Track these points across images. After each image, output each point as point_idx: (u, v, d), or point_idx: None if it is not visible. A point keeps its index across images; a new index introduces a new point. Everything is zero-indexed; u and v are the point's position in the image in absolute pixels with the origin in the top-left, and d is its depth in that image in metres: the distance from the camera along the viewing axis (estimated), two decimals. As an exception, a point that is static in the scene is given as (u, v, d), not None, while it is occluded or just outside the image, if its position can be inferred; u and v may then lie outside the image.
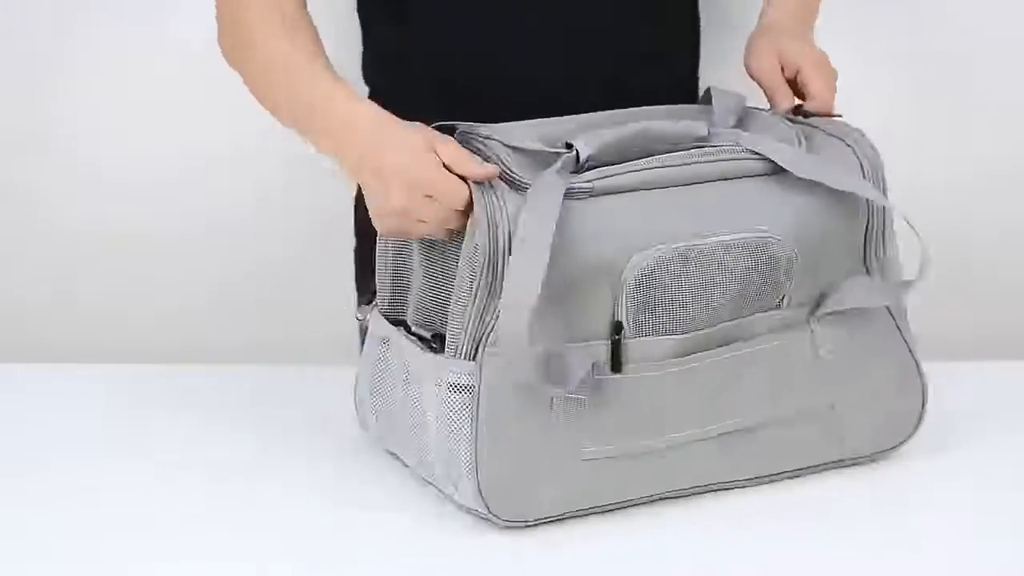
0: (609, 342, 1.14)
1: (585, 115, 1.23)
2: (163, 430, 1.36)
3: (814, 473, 1.24)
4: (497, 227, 1.11)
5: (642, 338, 1.14)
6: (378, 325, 1.25)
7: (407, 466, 1.24)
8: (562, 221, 1.11)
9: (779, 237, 1.17)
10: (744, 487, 1.22)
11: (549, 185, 1.12)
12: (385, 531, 1.17)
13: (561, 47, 1.39)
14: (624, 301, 1.13)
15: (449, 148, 1.15)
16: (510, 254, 1.10)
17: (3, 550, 1.15)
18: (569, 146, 1.15)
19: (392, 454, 1.27)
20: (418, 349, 1.18)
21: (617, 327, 1.13)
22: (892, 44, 1.71)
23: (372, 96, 1.47)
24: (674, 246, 1.14)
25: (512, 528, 1.15)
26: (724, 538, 1.16)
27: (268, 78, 1.30)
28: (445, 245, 1.18)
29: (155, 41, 1.70)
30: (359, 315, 1.28)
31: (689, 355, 1.16)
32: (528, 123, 1.21)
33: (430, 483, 1.21)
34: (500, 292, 1.10)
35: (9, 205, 1.74)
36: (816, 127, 1.26)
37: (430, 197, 1.13)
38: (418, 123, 1.19)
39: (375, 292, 1.27)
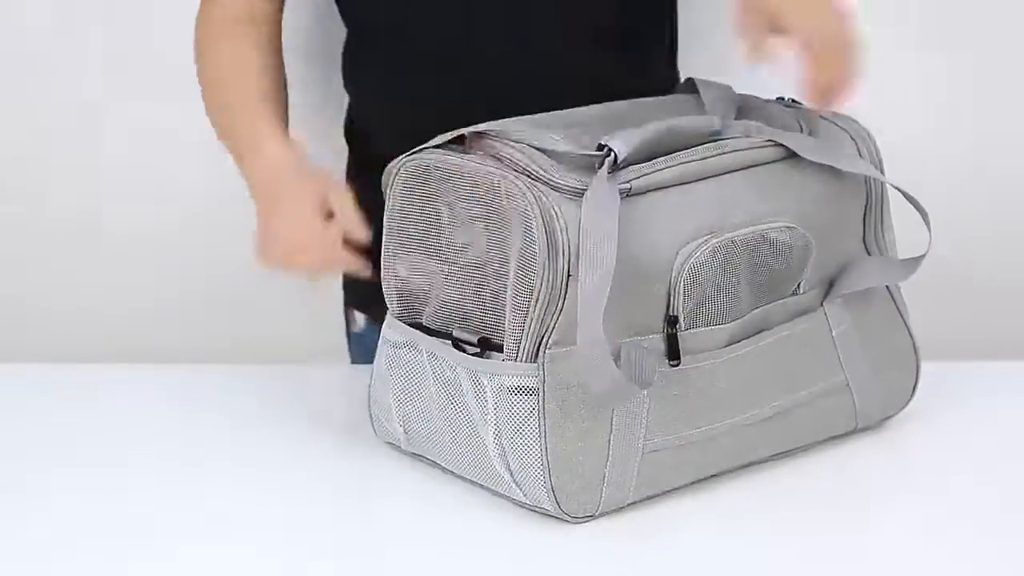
0: (665, 335, 1.16)
1: (583, 109, 1.24)
2: (162, 430, 1.36)
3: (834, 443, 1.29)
4: (555, 232, 1.11)
5: (695, 329, 1.17)
6: (396, 330, 1.24)
7: (452, 472, 1.23)
8: None
9: (799, 225, 1.21)
10: (774, 461, 1.26)
11: (606, 193, 1.12)
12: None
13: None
14: (678, 295, 1.16)
15: (345, 208, 1.27)
16: (568, 260, 1.11)
17: (3, 550, 1.15)
18: (601, 147, 1.15)
19: (421, 457, 1.26)
20: (463, 355, 1.18)
21: (672, 321, 1.16)
22: (897, 44, 1.71)
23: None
24: (719, 238, 1.17)
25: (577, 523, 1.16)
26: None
27: (212, 85, 1.43)
28: (464, 245, 1.18)
29: (152, 42, 1.70)
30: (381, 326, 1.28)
31: (736, 343, 1.19)
32: (530, 119, 1.21)
33: (481, 485, 1.21)
34: (561, 297, 1.12)
35: (10, 205, 1.74)
36: (811, 111, 1.28)
37: (303, 251, 1.29)
38: (318, 176, 1.32)
39: (364, 296, 1.27)
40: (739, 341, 1.20)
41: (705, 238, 1.16)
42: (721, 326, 1.18)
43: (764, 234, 1.19)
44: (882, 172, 1.28)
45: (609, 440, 1.15)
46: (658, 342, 1.16)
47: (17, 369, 1.55)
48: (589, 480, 1.15)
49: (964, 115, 1.74)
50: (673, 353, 1.16)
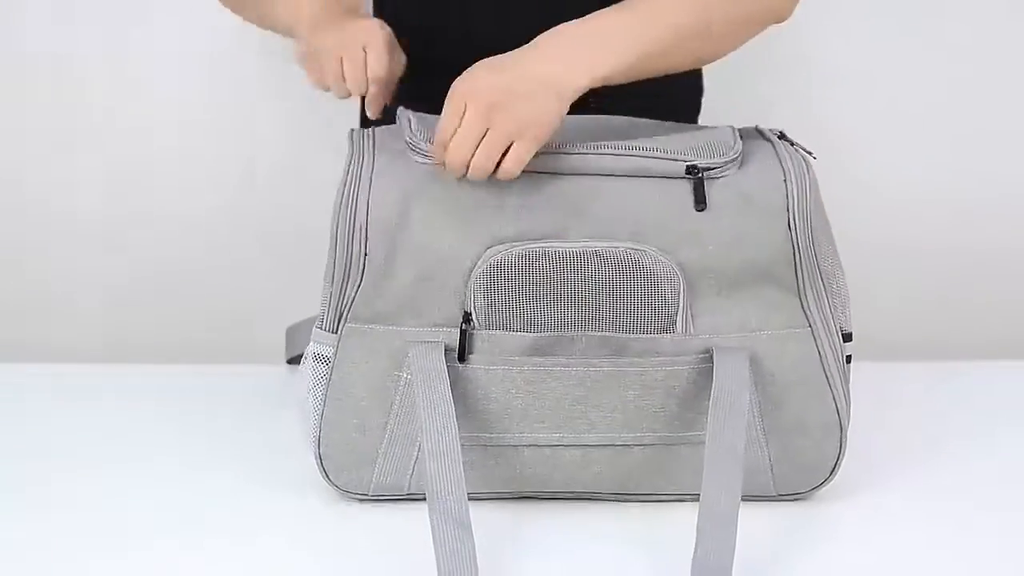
0: (459, 331, 1.16)
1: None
2: (161, 430, 1.36)
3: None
4: (349, 220, 1.15)
5: (492, 331, 1.15)
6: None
7: None
8: (428, 203, 1.14)
9: (659, 255, 1.14)
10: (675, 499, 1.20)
11: (431, 372, 1.12)
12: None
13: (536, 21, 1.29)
14: (472, 292, 1.14)
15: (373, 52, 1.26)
16: (364, 242, 1.14)
17: (2, 549, 1.15)
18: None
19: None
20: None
21: (466, 317, 1.15)
22: (898, 52, 1.72)
23: None
24: (529, 245, 1.14)
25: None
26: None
27: None
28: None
29: (153, 44, 1.70)
30: None
31: (547, 356, 1.15)
32: None
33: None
34: (360, 274, 1.15)
35: (10, 205, 1.75)
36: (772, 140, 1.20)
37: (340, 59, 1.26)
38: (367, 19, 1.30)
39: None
40: (557, 357, 1.15)
41: (515, 242, 1.14)
42: (523, 333, 1.14)
43: (603, 252, 1.13)
44: (806, 209, 1.15)
45: (386, 423, 1.17)
46: (454, 337, 1.15)
47: (17, 369, 1.55)
48: (360, 457, 1.17)
49: (967, 118, 1.74)
50: (461, 350, 1.15)
